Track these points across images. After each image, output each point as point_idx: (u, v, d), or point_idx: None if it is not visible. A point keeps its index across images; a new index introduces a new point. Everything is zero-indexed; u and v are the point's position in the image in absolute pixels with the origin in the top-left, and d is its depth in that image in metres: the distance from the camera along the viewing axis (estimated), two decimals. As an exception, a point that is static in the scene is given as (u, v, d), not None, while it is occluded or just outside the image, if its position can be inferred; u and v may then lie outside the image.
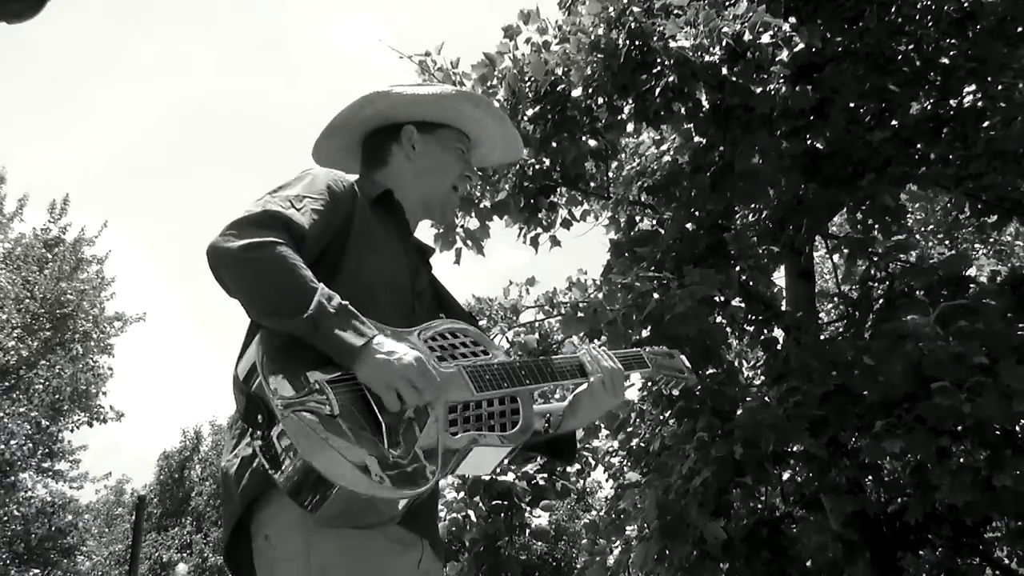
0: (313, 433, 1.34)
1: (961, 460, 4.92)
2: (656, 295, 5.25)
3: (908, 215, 8.03)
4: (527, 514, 6.76)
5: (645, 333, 5.31)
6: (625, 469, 7.83)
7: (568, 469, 7.46)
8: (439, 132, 1.89)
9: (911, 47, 5.89)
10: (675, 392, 5.54)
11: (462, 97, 1.90)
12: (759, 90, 4.86)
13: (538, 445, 1.86)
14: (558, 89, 5.54)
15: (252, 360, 1.43)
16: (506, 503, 6.63)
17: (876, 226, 6.04)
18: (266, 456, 1.38)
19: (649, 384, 6.47)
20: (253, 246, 1.46)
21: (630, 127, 5.94)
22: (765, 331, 6.20)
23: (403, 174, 1.85)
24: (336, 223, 1.65)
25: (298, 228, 1.55)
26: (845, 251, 6.36)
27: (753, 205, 6.40)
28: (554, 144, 5.77)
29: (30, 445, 13.82)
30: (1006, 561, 6.26)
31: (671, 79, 4.94)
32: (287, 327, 1.45)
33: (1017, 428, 5.01)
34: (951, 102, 5.85)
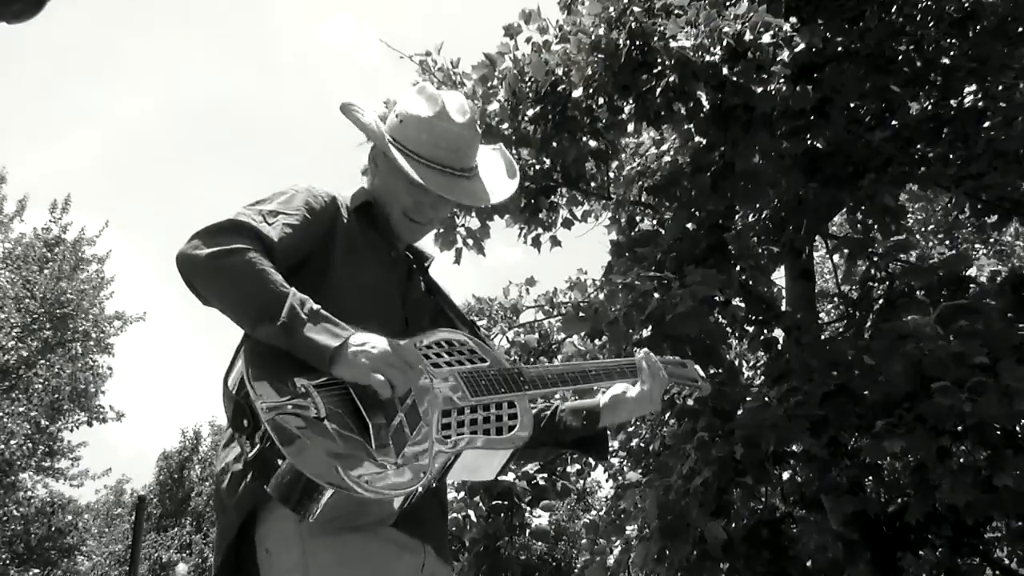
0: (298, 436, 1.33)
1: (961, 460, 4.91)
2: (657, 295, 5.25)
3: (908, 215, 8.03)
4: (527, 514, 6.74)
5: (646, 333, 5.31)
6: (625, 469, 7.84)
7: (568, 469, 7.45)
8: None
9: (912, 47, 5.89)
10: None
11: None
12: (760, 90, 4.85)
13: (578, 441, 1.92)
14: (559, 89, 5.53)
15: (239, 368, 1.42)
16: (506, 503, 6.61)
17: (876, 226, 6.03)
18: (254, 463, 1.37)
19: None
20: (221, 253, 1.45)
21: (631, 127, 5.94)
22: (765, 331, 6.19)
23: (374, 187, 1.82)
24: (313, 239, 1.64)
25: (267, 239, 1.52)
26: (845, 251, 6.35)
27: (754, 205, 6.40)
28: (555, 144, 5.77)
29: (30, 445, 13.80)
30: (1006, 561, 6.26)
31: (671, 79, 4.94)
32: (262, 335, 1.43)
33: (1018, 428, 5.01)
34: (951, 102, 5.84)
